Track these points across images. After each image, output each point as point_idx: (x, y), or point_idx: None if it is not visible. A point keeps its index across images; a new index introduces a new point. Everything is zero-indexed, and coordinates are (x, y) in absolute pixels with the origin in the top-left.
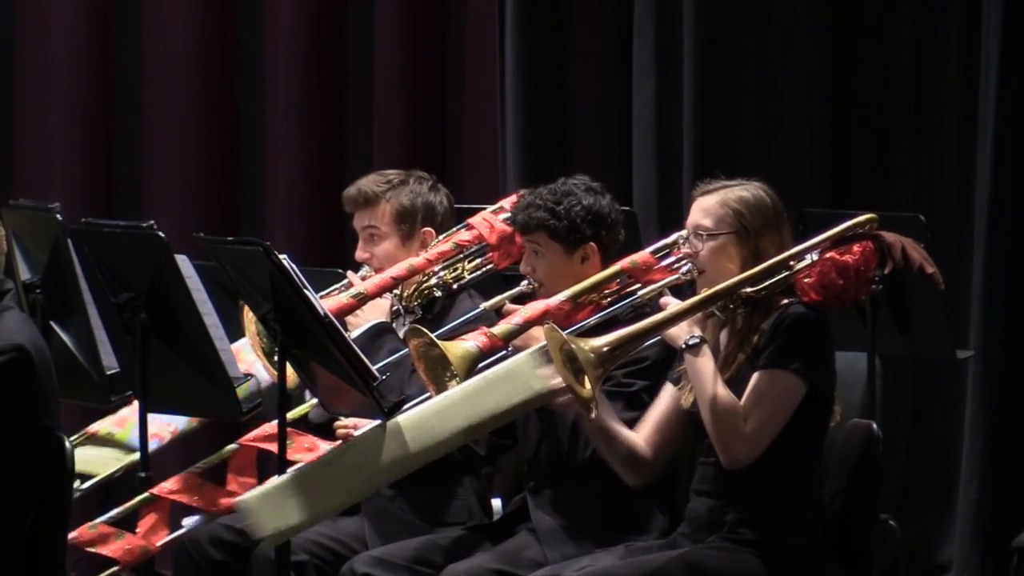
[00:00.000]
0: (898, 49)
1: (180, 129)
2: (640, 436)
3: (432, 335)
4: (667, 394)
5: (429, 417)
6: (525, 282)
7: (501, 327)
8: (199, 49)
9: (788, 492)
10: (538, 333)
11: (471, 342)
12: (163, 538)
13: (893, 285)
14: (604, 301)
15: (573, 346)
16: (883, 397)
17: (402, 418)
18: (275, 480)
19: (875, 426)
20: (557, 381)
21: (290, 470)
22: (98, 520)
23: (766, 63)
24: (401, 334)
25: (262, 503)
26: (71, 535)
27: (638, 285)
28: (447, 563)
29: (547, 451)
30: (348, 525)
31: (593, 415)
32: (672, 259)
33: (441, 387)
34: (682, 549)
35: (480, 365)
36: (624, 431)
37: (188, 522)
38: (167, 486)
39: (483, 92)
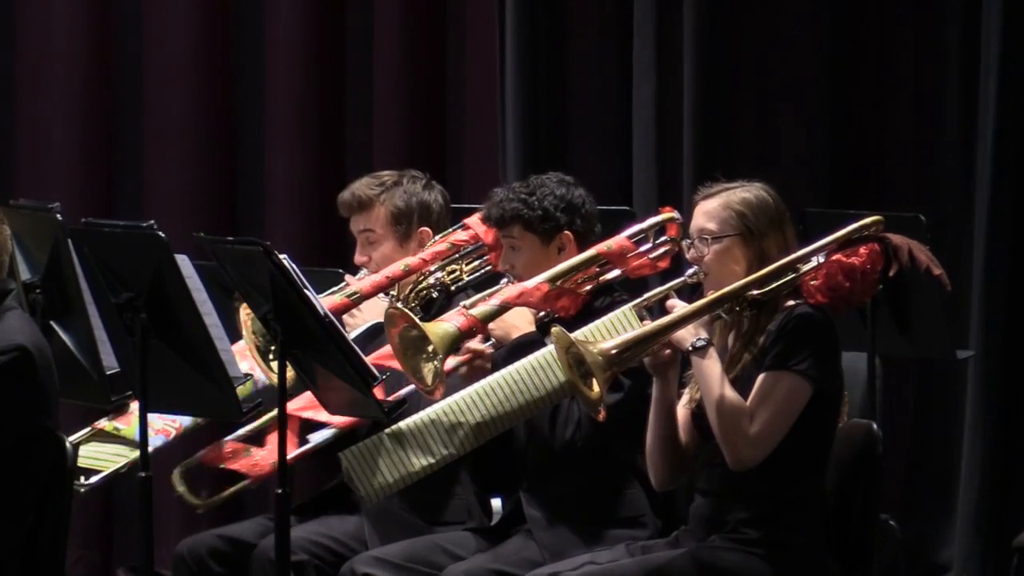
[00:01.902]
0: (898, 49)
1: (180, 129)
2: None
3: (412, 315)
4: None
5: (524, 375)
6: (504, 280)
7: (480, 308)
8: (199, 49)
9: (793, 492)
10: (516, 320)
11: (450, 322)
12: (292, 452)
13: (893, 285)
14: (582, 288)
15: (581, 349)
16: (883, 397)
17: (497, 376)
18: (374, 436)
19: (875, 426)
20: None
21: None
22: (226, 438)
23: (766, 64)
24: None
25: (359, 460)
26: (199, 454)
27: (616, 271)
28: (447, 563)
29: (534, 446)
30: (348, 525)
31: (602, 417)
32: (648, 244)
33: (417, 374)
34: (684, 548)
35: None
36: (681, 414)
37: (316, 437)
38: (296, 403)
39: (483, 92)
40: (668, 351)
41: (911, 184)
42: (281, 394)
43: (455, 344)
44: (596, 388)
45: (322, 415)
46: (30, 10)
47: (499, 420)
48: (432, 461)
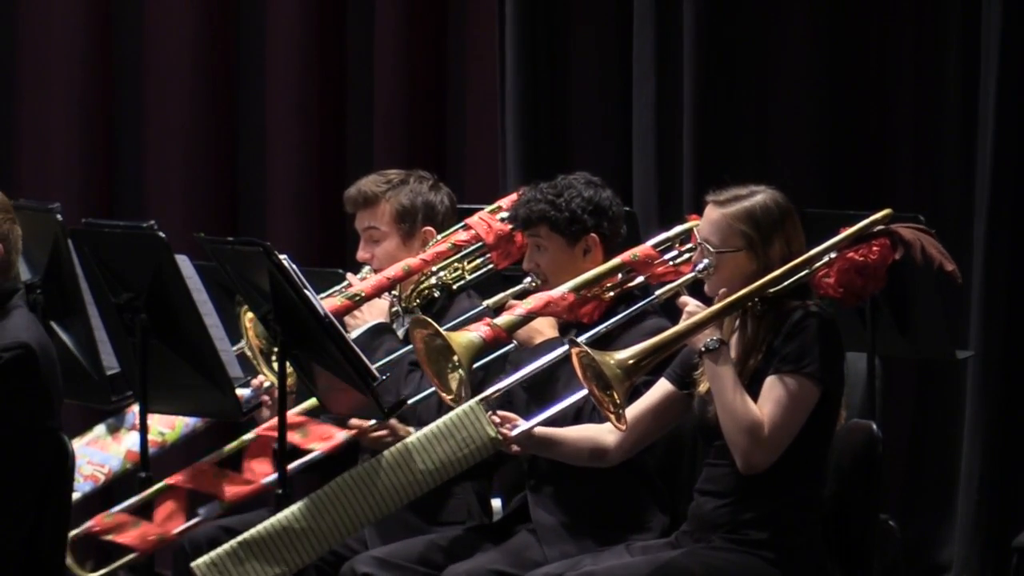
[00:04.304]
0: (898, 49)
1: (180, 129)
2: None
3: (437, 325)
4: (659, 391)
5: (377, 474)
6: (528, 279)
7: (504, 318)
8: (199, 49)
9: (794, 493)
10: (540, 324)
11: (475, 333)
12: (180, 526)
13: (894, 285)
14: (606, 295)
15: (598, 359)
16: (883, 397)
17: (350, 475)
18: (225, 545)
19: (875, 426)
20: (509, 428)
21: (241, 536)
22: (114, 509)
23: (766, 63)
24: (400, 334)
25: (212, 570)
26: (88, 524)
27: (640, 279)
28: (448, 563)
29: None
30: None
31: (623, 427)
32: (674, 252)
33: (443, 380)
34: (685, 548)
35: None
36: (573, 438)
37: (204, 510)
38: (183, 475)
39: (483, 92)
40: (517, 448)
41: (911, 184)
42: (281, 394)
43: (480, 355)
44: (617, 398)
45: (203, 485)
46: (31, 10)
47: (349, 525)
48: (284, 569)
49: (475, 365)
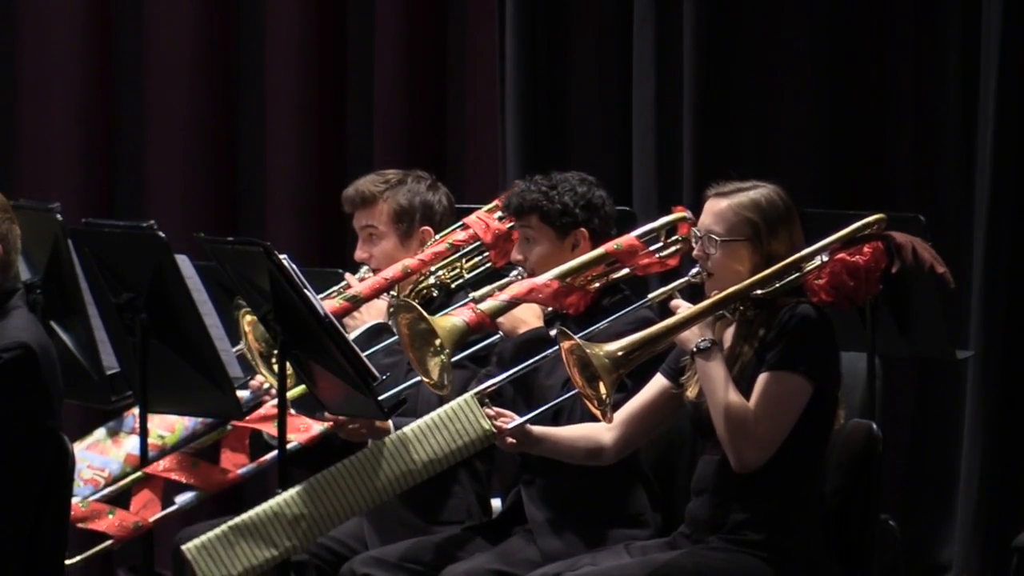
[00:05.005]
0: (898, 49)
1: (180, 129)
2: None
3: (420, 308)
4: (653, 387)
5: (373, 463)
6: (515, 271)
7: (488, 303)
8: (199, 49)
9: (791, 493)
10: (525, 314)
11: (458, 317)
12: (156, 514)
13: (893, 285)
14: (591, 286)
15: (588, 351)
16: (883, 397)
17: (346, 463)
18: (216, 530)
19: (875, 426)
20: (504, 422)
21: (232, 520)
22: (90, 497)
23: (766, 63)
24: None
25: (203, 553)
26: None
27: (626, 270)
28: (446, 563)
29: None
30: (348, 525)
31: (609, 419)
32: (659, 244)
33: (424, 365)
34: (684, 549)
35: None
36: (569, 436)
37: (181, 499)
38: (160, 464)
39: (483, 92)
40: (512, 441)
41: (911, 184)
42: (281, 394)
43: (463, 339)
44: (603, 390)
45: (180, 474)
46: (31, 10)
47: (342, 512)
48: (275, 553)
49: (463, 355)
